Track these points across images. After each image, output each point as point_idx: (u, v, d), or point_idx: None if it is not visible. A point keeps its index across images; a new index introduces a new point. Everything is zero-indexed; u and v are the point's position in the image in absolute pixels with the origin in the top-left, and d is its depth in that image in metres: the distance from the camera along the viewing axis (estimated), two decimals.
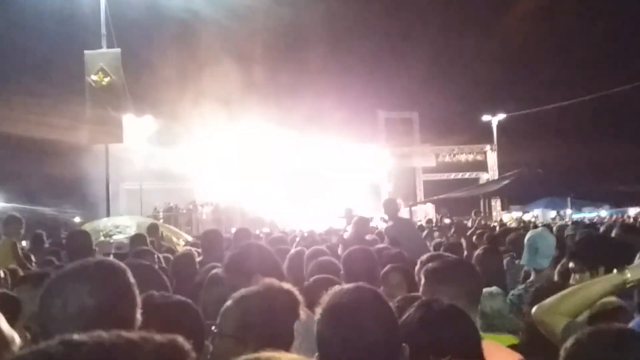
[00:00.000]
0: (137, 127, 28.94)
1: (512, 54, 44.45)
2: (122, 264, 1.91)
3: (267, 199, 28.85)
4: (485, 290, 3.76)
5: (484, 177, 37.03)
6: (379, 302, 1.91)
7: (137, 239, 7.94)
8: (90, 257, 2.11)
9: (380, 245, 6.89)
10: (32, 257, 8.06)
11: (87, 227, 16.61)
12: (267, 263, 3.33)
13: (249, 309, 2.19)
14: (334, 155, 34.18)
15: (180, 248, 11.86)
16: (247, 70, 31.60)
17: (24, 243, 11.07)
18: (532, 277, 4.79)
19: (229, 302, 2.26)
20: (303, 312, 2.25)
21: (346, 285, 1.99)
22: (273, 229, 19.95)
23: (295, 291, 2.29)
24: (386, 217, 8.47)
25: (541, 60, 43.41)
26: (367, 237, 8.25)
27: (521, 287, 4.71)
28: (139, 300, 1.87)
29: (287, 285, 2.32)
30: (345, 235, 8.29)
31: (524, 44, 43.60)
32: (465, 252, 7.48)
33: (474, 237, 9.16)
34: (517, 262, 6.25)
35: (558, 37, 41.74)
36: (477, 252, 5.91)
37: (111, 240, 13.84)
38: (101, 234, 15.43)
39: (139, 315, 1.84)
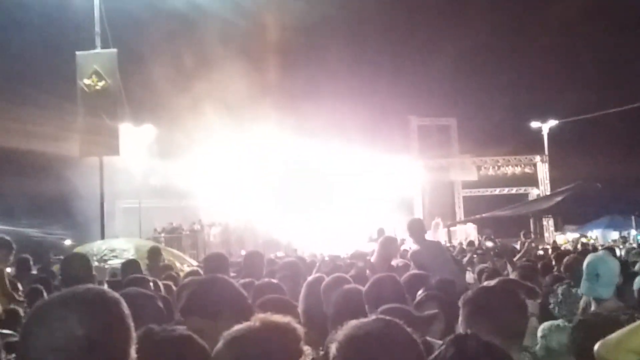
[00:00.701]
0: (135, 137, 29.09)
1: (565, 52, 43.96)
2: (115, 293, 1.92)
3: (283, 219, 28.86)
4: (551, 323, 3.71)
5: (533, 192, 36.71)
6: (402, 336, 1.90)
7: (129, 265, 7.94)
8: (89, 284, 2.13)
9: (411, 272, 6.87)
10: (19, 286, 8.10)
11: (79, 251, 16.82)
12: (235, 298, 3.27)
13: (242, 353, 2.15)
14: (360, 169, 34.19)
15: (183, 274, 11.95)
16: (259, 72, 31.73)
17: (8, 269, 11.17)
18: (592, 308, 4.72)
19: (219, 345, 2.23)
20: (308, 349, 2.23)
21: (367, 318, 1.99)
22: (289, 253, 19.97)
23: (296, 325, 2.27)
24: (412, 241, 8.42)
25: (599, 59, 42.69)
26: (394, 262, 8.21)
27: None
28: (134, 334, 1.87)
29: (285, 319, 2.28)
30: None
31: (578, 40, 43.13)
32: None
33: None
34: (574, 290, 6.19)
35: (619, 32, 41.23)
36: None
37: (106, 266, 13.98)
38: (95, 258, 15.56)
39: (133, 352, 1.84)
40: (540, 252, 15.56)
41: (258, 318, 2.26)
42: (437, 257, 7.97)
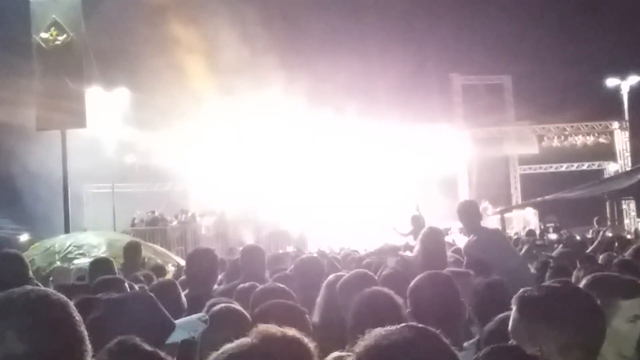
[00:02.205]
0: (106, 104, 29.21)
1: None
2: (61, 296, 1.90)
3: (293, 206, 28.88)
4: None
5: (610, 168, 36.52)
6: (438, 348, 1.91)
7: (99, 265, 7.92)
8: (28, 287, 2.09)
9: (462, 270, 6.81)
10: None
11: (37, 247, 16.91)
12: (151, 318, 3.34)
13: None
14: (389, 142, 34.07)
15: (169, 276, 11.95)
16: (261, 21, 31.59)
17: None
18: None
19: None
20: None
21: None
22: (301, 248, 19.97)
23: (305, 339, 2.29)
24: (464, 229, 8.36)
25: None
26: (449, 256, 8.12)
27: None
28: (88, 345, 1.86)
29: (291, 332, 2.29)
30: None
31: None
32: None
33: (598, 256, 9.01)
34: None
35: None
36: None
37: (71, 266, 14.00)
38: (57, 257, 15.62)
39: None
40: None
41: (257, 331, 2.25)
42: (499, 249, 7.88)
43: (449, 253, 8.77)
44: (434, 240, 7.68)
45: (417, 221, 16.41)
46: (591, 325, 2.79)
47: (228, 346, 2.23)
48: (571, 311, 2.79)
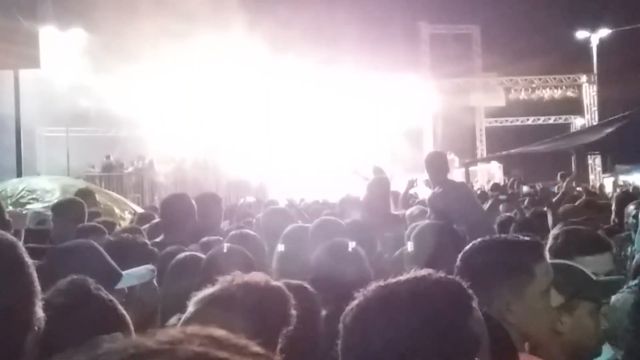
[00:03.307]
0: (60, 44, 28.80)
1: None
2: (8, 235, 1.88)
3: (254, 155, 28.82)
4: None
5: (577, 122, 36.84)
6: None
7: (64, 206, 7.86)
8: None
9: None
10: None
11: None
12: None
13: (225, 316, 2.16)
14: (353, 90, 33.97)
15: (126, 224, 11.91)
16: None
17: None
18: None
19: (190, 309, 2.28)
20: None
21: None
22: (261, 197, 19.98)
23: (284, 287, 2.36)
24: (430, 180, 8.40)
25: None
26: (398, 209, 8.23)
27: (633, 283, 4.64)
28: (37, 288, 1.86)
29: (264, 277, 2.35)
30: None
31: None
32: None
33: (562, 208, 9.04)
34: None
35: None
36: None
37: (24, 211, 13.88)
38: (9, 201, 15.47)
39: (40, 311, 1.83)
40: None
41: (228, 280, 2.31)
42: (464, 202, 7.95)
43: (417, 207, 8.93)
44: (378, 187, 8.29)
45: (379, 172, 16.42)
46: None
47: (208, 291, 2.28)
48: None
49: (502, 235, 4.23)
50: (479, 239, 2.90)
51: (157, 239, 6.06)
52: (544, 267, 2.80)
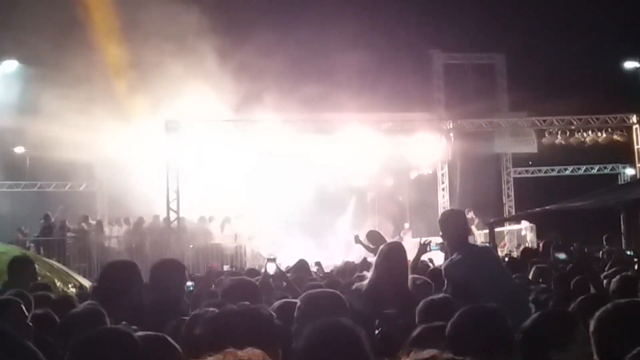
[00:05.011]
0: None
1: None
2: None
3: (229, 213, 28.89)
4: None
5: (626, 172, 36.86)
6: None
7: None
8: None
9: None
10: None
11: None
12: None
13: None
14: (350, 134, 33.96)
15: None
16: None
17: None
18: None
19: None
20: None
21: None
22: (238, 265, 19.99)
23: None
24: (445, 244, 8.34)
25: None
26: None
27: None
28: None
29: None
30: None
31: None
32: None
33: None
34: None
35: None
36: None
37: None
38: None
39: None
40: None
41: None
42: (489, 271, 7.85)
43: (419, 276, 8.84)
44: (395, 254, 8.10)
45: (376, 238, 16.36)
46: None
47: None
48: None
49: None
50: None
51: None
52: None
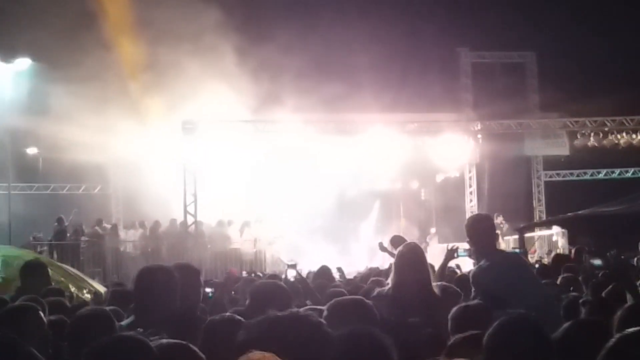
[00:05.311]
0: (3, 80, 28.94)
1: None
2: None
3: (249, 217, 28.91)
4: None
5: None
6: None
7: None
8: None
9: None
10: None
11: None
12: None
13: None
14: (374, 136, 33.97)
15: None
16: None
17: None
18: None
19: None
20: None
21: None
22: (258, 272, 19.97)
23: None
24: (472, 251, 8.32)
25: None
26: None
27: None
28: None
29: None
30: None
31: None
32: None
33: None
34: None
35: None
36: None
37: None
38: None
39: None
40: None
41: None
42: (518, 278, 7.83)
43: (445, 283, 8.79)
44: (411, 255, 8.02)
45: (399, 243, 16.31)
46: None
47: None
48: None
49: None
50: None
51: (124, 322, 6.04)
52: None
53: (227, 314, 5.66)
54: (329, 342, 3.84)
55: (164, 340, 4.35)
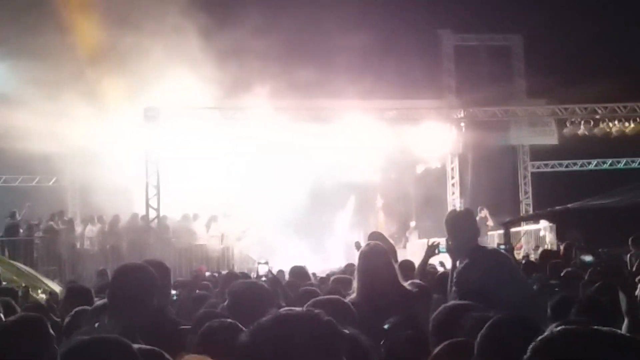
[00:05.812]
0: None
1: None
2: None
3: (214, 211, 28.90)
4: None
5: None
6: None
7: None
8: None
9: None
10: None
11: None
12: None
13: None
14: (351, 123, 34.01)
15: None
16: None
17: None
18: None
19: None
20: None
21: None
22: (224, 269, 20.00)
23: None
24: (453, 247, 8.32)
25: None
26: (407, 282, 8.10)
27: None
28: None
29: None
30: None
31: None
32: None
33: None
34: None
35: None
36: None
37: None
38: None
39: None
40: None
41: None
42: (501, 276, 7.83)
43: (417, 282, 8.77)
44: (375, 256, 7.96)
45: (377, 239, 16.35)
46: None
47: None
48: None
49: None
50: None
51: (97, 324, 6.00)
52: None
53: (229, 320, 5.57)
54: (345, 341, 3.80)
55: (137, 346, 4.26)
